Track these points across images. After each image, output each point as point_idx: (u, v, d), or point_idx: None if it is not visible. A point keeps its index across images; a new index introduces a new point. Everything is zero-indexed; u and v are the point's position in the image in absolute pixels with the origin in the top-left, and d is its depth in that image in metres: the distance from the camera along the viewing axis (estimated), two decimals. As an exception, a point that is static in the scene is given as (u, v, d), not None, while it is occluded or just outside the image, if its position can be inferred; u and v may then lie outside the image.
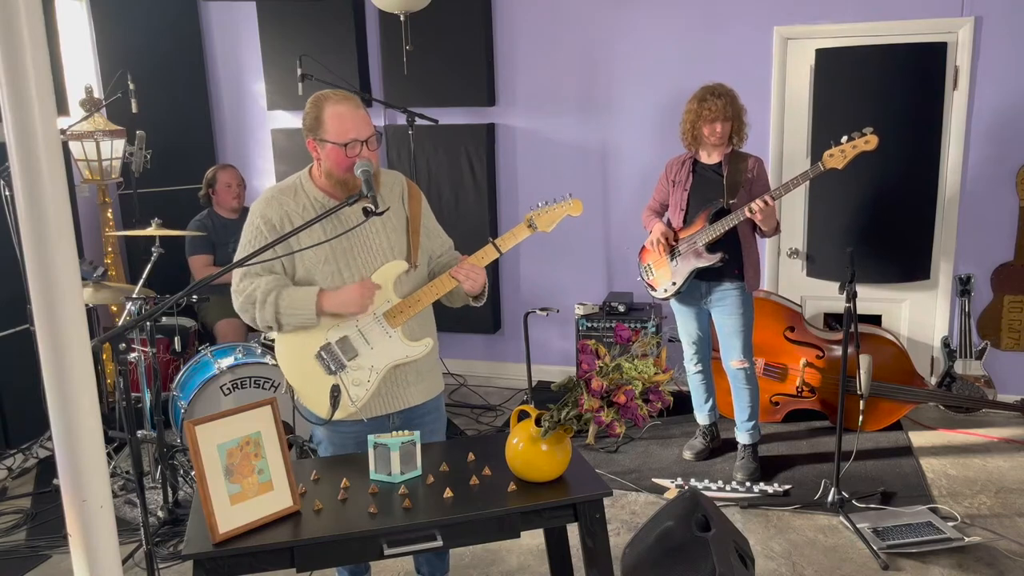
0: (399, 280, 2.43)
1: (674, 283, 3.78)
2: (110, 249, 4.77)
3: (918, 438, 4.24)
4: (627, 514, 3.56)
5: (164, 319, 4.24)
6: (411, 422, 2.47)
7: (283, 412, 2.18)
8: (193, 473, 2.62)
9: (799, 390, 4.32)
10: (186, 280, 4.68)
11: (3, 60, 1.24)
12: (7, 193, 3.82)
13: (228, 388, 3.76)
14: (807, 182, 3.58)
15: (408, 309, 2.41)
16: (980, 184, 4.41)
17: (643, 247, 3.95)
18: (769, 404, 4.37)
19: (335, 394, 2.35)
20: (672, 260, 3.76)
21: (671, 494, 3.67)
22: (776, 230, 3.67)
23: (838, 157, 3.44)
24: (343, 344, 2.38)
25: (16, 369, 4.25)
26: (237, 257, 2.38)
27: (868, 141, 3.40)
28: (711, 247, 3.65)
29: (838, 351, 4.19)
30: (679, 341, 4.06)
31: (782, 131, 4.65)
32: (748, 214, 3.50)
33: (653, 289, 3.91)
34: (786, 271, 4.81)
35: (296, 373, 2.43)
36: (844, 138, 3.43)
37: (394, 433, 2.24)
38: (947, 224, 4.49)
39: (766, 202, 3.46)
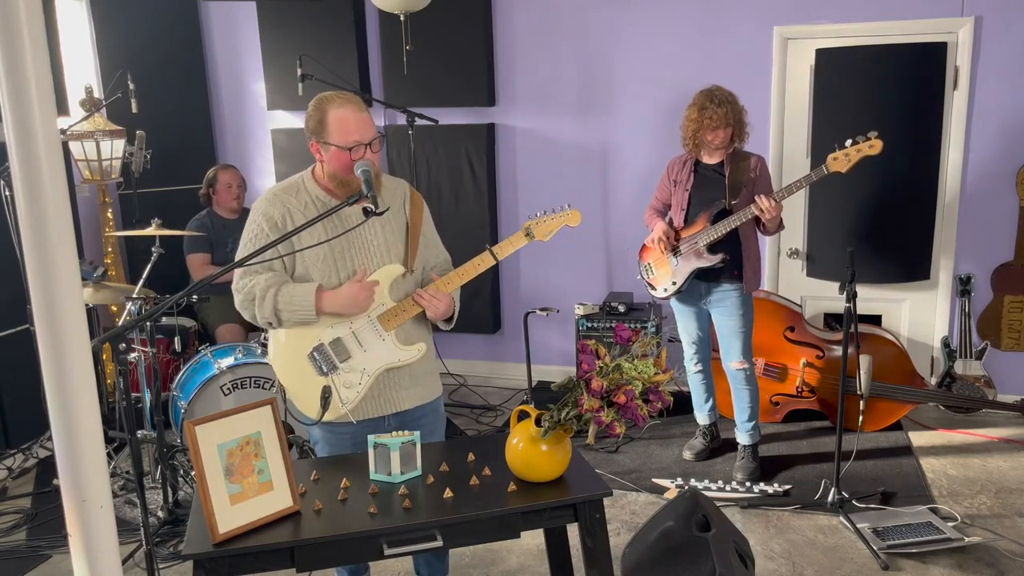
0: (395, 284, 2.43)
1: (674, 283, 3.78)
2: (110, 249, 4.77)
3: (918, 438, 4.24)
4: (627, 514, 3.56)
5: (164, 319, 4.24)
6: (406, 425, 2.46)
7: (283, 412, 2.18)
8: (193, 473, 2.62)
9: (799, 390, 4.32)
10: (186, 280, 4.68)
11: (3, 60, 1.24)
12: (7, 193, 3.81)
13: (228, 388, 3.76)
14: (809, 185, 3.58)
15: (402, 313, 2.42)
16: (980, 184, 4.41)
17: (644, 246, 3.95)
18: (769, 404, 4.37)
19: (325, 395, 2.35)
20: (673, 260, 3.76)
21: (671, 494, 3.67)
22: (779, 227, 3.67)
23: (842, 161, 3.43)
24: (336, 345, 2.39)
25: (16, 369, 4.25)
26: (238, 255, 2.38)
27: (872, 146, 3.40)
28: (712, 247, 3.65)
29: (838, 351, 4.19)
30: (679, 341, 4.06)
31: (782, 131, 4.65)
32: (756, 211, 3.49)
33: (653, 288, 3.91)
34: (786, 271, 4.81)
35: (288, 373, 2.43)
36: (848, 142, 3.42)
37: (394, 433, 2.24)
38: (947, 224, 4.49)
39: (774, 201, 3.45)
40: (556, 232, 2.54)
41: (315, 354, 2.38)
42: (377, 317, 2.40)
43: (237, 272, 2.37)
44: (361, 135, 2.30)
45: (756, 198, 3.49)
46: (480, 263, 2.47)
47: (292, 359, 2.41)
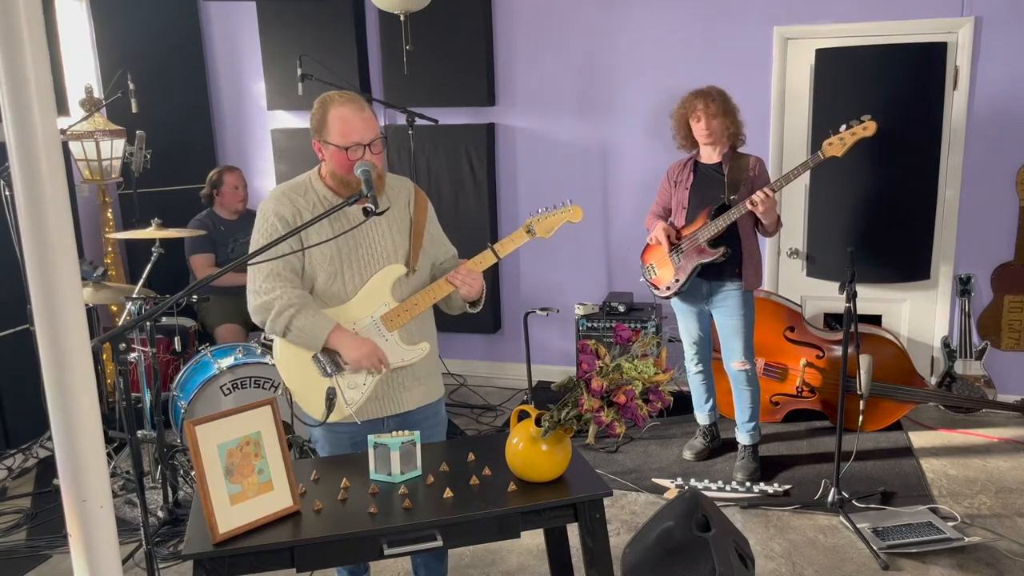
0: (398, 284, 2.43)
1: (677, 280, 3.77)
2: (110, 249, 4.77)
3: (918, 438, 4.24)
4: (627, 514, 3.56)
5: (164, 319, 4.24)
6: (406, 427, 2.46)
7: (283, 412, 2.18)
8: (193, 473, 2.62)
9: (799, 390, 4.32)
10: (186, 280, 4.68)
11: (3, 60, 1.24)
12: (7, 193, 3.82)
13: (228, 388, 3.76)
14: (808, 172, 3.59)
15: (405, 313, 2.41)
16: (980, 184, 4.41)
17: (645, 247, 3.95)
18: (769, 404, 4.37)
19: (330, 396, 2.35)
20: (675, 257, 3.76)
21: (671, 494, 3.67)
22: (777, 226, 3.68)
23: (837, 145, 3.45)
24: None
25: (16, 369, 4.25)
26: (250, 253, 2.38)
27: (867, 127, 3.42)
28: (713, 243, 3.65)
29: (838, 351, 4.19)
30: (679, 341, 4.06)
31: (782, 131, 4.65)
32: (749, 206, 3.50)
33: (656, 288, 3.91)
34: (786, 271, 4.81)
35: (293, 375, 2.43)
36: (843, 126, 3.45)
37: (394, 433, 2.24)
38: (947, 224, 4.49)
39: (767, 194, 3.47)
40: (558, 228, 2.54)
41: (319, 356, 2.38)
42: (380, 317, 2.39)
43: (260, 273, 2.35)
44: (360, 136, 2.30)
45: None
46: (481, 261, 2.48)
47: (297, 361, 2.41)
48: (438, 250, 2.57)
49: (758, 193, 3.48)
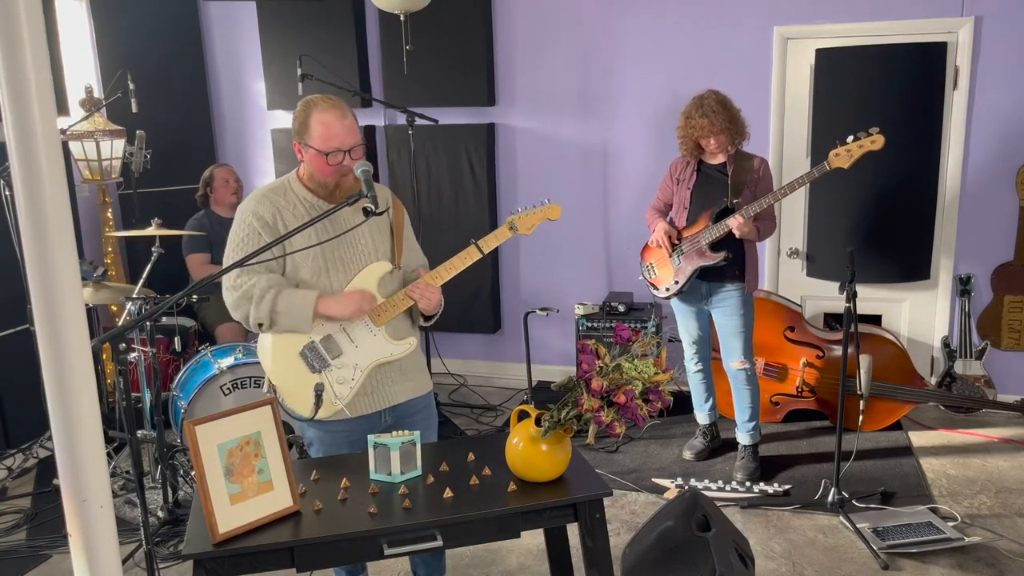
0: (383, 280, 2.46)
1: (676, 281, 3.78)
2: (110, 249, 4.77)
3: (918, 438, 4.24)
4: (627, 514, 3.56)
5: (164, 319, 4.24)
6: (401, 421, 2.49)
7: (283, 412, 2.18)
8: (193, 473, 2.62)
9: (799, 390, 4.32)
10: (186, 280, 4.68)
11: (3, 60, 1.24)
12: (7, 193, 3.82)
13: (228, 388, 3.76)
14: (811, 182, 3.58)
15: (391, 309, 2.45)
16: (980, 184, 4.41)
17: (646, 246, 3.95)
18: (769, 404, 4.37)
19: (318, 392, 2.36)
20: (675, 259, 3.76)
21: (671, 494, 3.67)
22: (760, 237, 3.67)
23: (844, 157, 3.44)
24: (327, 343, 2.40)
25: (16, 369, 4.25)
26: (228, 253, 2.40)
27: (875, 141, 3.41)
28: (714, 246, 3.65)
29: (838, 351, 4.19)
30: (679, 341, 4.06)
31: (782, 131, 4.65)
32: (731, 227, 3.52)
33: (655, 288, 3.91)
34: (786, 271, 4.81)
35: (279, 372, 2.43)
36: (850, 138, 3.43)
37: (394, 433, 2.24)
38: (947, 224, 4.49)
39: (740, 221, 3.49)
40: (538, 225, 2.60)
41: (306, 352, 2.39)
42: (368, 312, 2.42)
43: (232, 272, 2.38)
44: (341, 142, 2.32)
45: (730, 218, 3.53)
46: (467, 257, 2.51)
47: (283, 357, 2.42)
48: (411, 256, 2.61)
49: (735, 218, 3.49)
